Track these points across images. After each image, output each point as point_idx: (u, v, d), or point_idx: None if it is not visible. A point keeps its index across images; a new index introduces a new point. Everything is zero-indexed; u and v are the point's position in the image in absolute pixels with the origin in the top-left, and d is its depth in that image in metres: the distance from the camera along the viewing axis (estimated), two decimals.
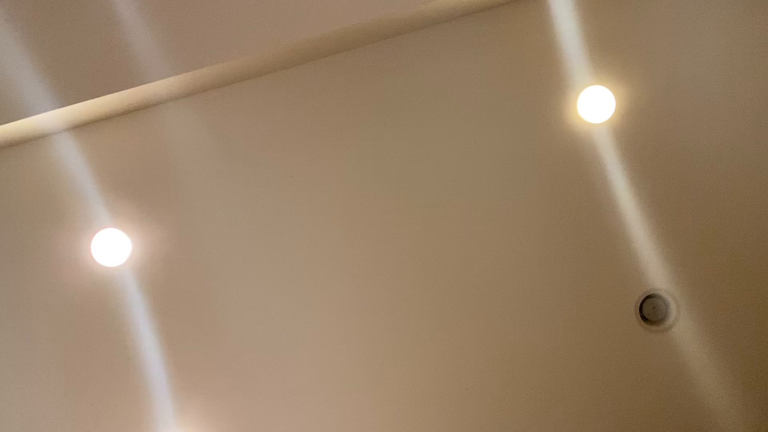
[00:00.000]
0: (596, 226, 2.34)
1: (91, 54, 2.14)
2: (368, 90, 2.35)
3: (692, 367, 2.34)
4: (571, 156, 2.33)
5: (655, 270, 2.33)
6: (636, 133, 2.31)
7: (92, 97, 2.15)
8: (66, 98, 2.14)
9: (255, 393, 2.39)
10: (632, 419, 2.37)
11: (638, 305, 2.37)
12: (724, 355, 2.34)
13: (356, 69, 2.34)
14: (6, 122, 2.15)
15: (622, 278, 2.35)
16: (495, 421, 2.37)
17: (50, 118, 2.21)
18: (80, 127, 2.33)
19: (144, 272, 2.36)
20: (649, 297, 2.37)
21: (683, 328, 2.35)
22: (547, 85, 2.32)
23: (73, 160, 2.33)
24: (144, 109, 2.34)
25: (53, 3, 2.15)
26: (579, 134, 2.32)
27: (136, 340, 2.35)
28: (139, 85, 2.14)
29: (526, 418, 2.37)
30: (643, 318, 2.37)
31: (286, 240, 2.37)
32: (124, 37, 2.13)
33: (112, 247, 2.31)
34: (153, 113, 2.34)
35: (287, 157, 2.36)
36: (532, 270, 2.36)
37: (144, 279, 2.36)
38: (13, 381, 2.36)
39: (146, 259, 2.36)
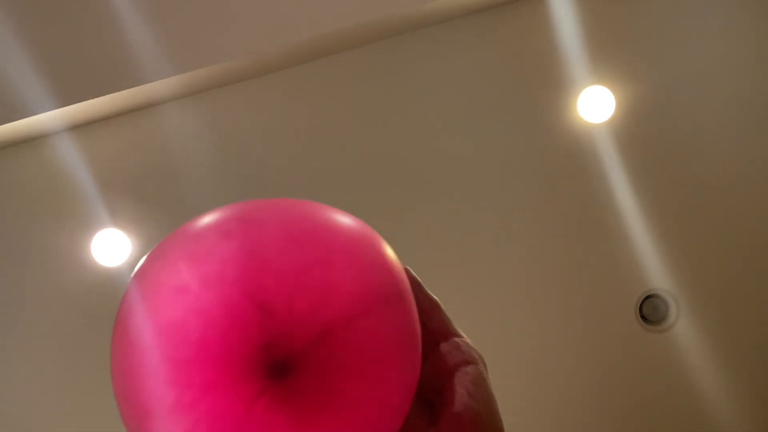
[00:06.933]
0: (596, 226, 2.34)
1: (91, 54, 2.14)
2: (368, 90, 2.35)
3: (692, 367, 2.34)
4: (571, 156, 2.33)
5: (655, 270, 2.33)
6: (636, 133, 2.31)
7: (92, 97, 2.15)
8: (66, 98, 2.14)
9: None
10: (632, 419, 2.37)
11: (638, 305, 2.37)
12: (724, 355, 2.33)
13: (356, 69, 2.34)
14: (6, 122, 2.15)
15: (622, 278, 2.35)
16: None
17: (50, 118, 2.21)
18: (80, 127, 2.33)
19: None
20: (649, 297, 2.37)
21: (683, 328, 2.35)
22: (547, 85, 2.32)
23: (73, 160, 2.33)
24: (144, 109, 2.34)
25: (53, 3, 2.15)
26: (579, 134, 2.32)
27: None
28: (139, 85, 2.14)
29: (524, 417, 2.37)
30: (643, 318, 2.37)
31: None
32: (124, 37, 2.13)
33: (112, 247, 2.31)
34: (153, 113, 2.34)
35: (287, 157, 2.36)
36: (530, 270, 2.36)
37: None
38: (13, 381, 2.36)
39: None
